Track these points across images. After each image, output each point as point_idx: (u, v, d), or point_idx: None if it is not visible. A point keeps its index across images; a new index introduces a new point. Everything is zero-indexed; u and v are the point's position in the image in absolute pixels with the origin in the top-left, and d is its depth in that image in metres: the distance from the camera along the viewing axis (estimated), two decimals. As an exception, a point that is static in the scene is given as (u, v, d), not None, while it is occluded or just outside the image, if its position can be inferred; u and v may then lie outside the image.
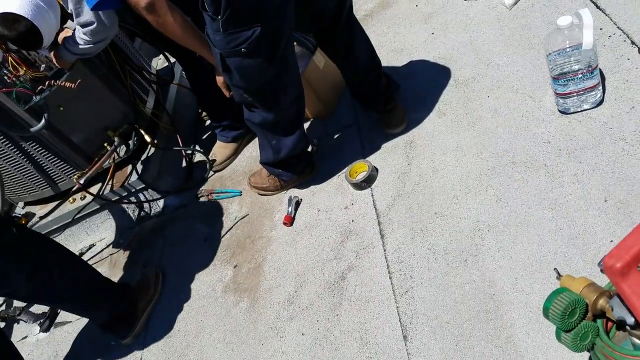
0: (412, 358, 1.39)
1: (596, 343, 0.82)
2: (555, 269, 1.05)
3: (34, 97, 1.87)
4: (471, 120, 1.85)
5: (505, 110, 1.81)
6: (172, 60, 2.51)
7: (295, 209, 2.00)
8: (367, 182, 1.89)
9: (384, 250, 1.67)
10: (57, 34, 1.78)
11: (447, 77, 2.06)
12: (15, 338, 2.25)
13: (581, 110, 1.62)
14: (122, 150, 2.26)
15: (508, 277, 1.40)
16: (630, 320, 0.67)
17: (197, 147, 2.56)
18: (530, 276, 1.37)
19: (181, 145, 2.42)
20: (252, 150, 2.42)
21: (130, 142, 2.24)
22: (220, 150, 2.41)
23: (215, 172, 2.42)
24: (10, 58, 1.79)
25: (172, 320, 1.92)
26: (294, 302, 1.72)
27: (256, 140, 2.46)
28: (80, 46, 1.70)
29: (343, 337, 1.54)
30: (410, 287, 1.54)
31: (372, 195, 1.86)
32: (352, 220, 1.83)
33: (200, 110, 2.79)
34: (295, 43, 2.19)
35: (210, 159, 2.40)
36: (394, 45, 2.37)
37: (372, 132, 2.06)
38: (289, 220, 1.96)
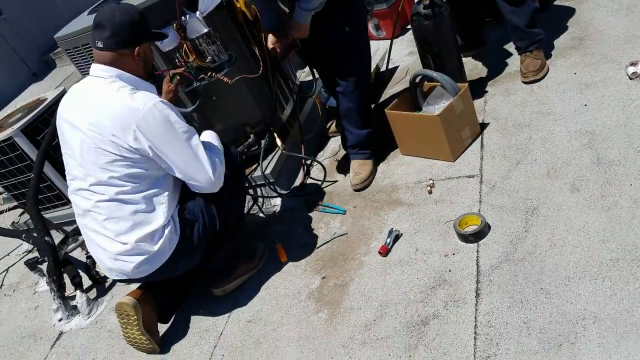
0: None
1: None
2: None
3: (194, 82, 2.13)
4: (606, 204, 1.72)
5: (648, 204, 1.65)
6: (317, 75, 2.67)
7: (394, 242, 2.00)
8: (476, 237, 1.82)
9: (476, 310, 1.61)
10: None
11: (590, 153, 1.94)
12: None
13: None
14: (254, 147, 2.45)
15: (606, 380, 1.27)
16: None
17: (318, 159, 2.68)
18: (635, 387, 1.23)
19: (303, 154, 2.56)
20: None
21: (263, 141, 2.44)
22: (361, 167, 2.42)
23: (356, 191, 2.38)
24: (185, 45, 2.05)
25: (257, 308, 2.04)
26: (371, 329, 1.72)
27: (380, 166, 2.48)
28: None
29: (410, 380, 1.51)
30: (493, 354, 1.46)
31: (477, 251, 1.80)
32: (449, 270, 1.78)
33: (327, 127, 2.92)
34: (438, 84, 2.24)
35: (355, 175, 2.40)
36: (539, 107, 2.29)
37: (494, 189, 2.00)
38: (385, 251, 1.97)
